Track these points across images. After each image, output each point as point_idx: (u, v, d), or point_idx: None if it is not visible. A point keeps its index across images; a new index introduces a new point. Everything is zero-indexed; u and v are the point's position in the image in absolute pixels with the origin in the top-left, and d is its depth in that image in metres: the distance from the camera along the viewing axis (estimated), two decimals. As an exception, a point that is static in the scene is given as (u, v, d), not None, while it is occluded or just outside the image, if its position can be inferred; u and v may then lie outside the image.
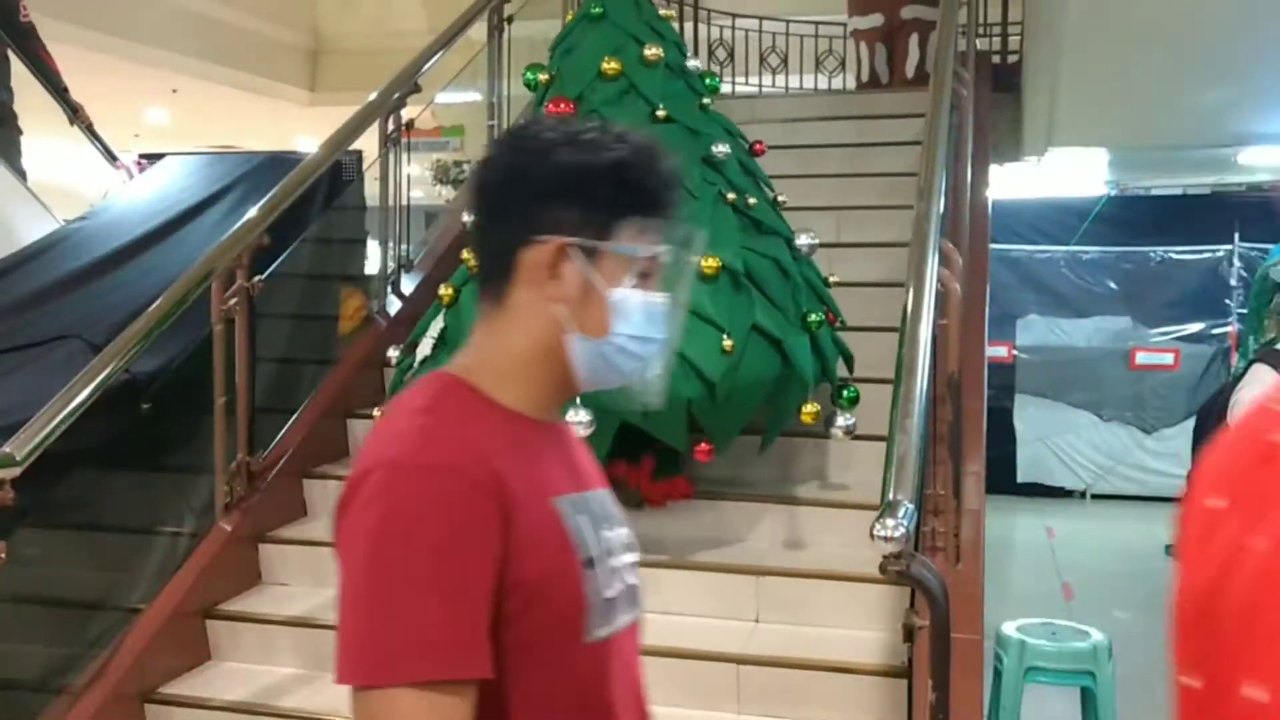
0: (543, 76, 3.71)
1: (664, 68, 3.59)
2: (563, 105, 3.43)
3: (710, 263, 3.18)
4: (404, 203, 4.68)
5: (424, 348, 3.42)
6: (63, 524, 3.49)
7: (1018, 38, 6.68)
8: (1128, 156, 7.24)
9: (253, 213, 3.63)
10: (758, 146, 3.84)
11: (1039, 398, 9.22)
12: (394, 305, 4.59)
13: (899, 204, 4.81)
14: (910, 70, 6.48)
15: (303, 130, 12.41)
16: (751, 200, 3.52)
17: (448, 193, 11.01)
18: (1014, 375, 9.13)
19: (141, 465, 3.71)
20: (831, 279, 3.75)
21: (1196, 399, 8.38)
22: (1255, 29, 5.02)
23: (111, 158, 5.64)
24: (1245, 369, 3.43)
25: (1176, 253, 9.19)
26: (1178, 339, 9.04)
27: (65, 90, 5.30)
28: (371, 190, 4.65)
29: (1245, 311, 8.17)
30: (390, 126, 4.52)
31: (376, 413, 3.48)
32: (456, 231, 5.15)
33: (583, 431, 2.90)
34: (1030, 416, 9.18)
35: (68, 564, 3.55)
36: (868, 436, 3.46)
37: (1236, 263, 8.90)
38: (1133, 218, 9.42)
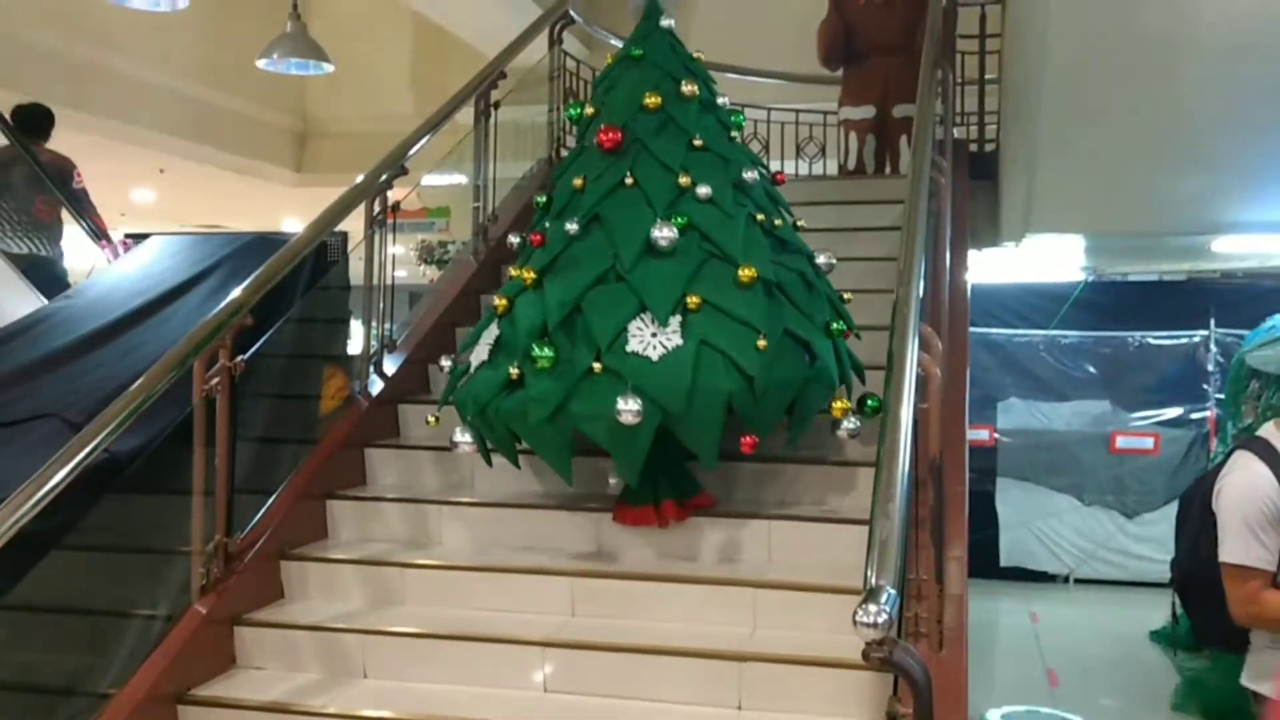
0: (588, 110, 4.05)
1: (698, 103, 3.95)
2: (612, 133, 3.79)
3: (747, 272, 3.53)
4: (388, 282, 4.70)
5: (479, 353, 3.74)
6: (34, 606, 3.43)
7: (994, 127, 6.82)
8: (1103, 243, 7.35)
9: (237, 293, 3.64)
10: (779, 177, 4.27)
11: (1021, 481, 9.24)
12: (376, 385, 4.58)
13: (879, 288, 4.87)
14: (902, 168, 6.62)
15: (289, 210, 12.51)
16: (777, 221, 3.91)
17: (432, 272, 11.08)
18: (995, 458, 9.16)
19: (117, 545, 3.66)
20: (846, 296, 4.06)
21: (1177, 483, 8.41)
22: (1226, 120, 5.15)
23: (98, 237, 5.68)
24: (1227, 456, 3.45)
25: (1154, 338, 9.30)
26: (1157, 423, 9.11)
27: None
28: (355, 269, 4.68)
29: (1223, 397, 8.26)
30: (377, 208, 4.56)
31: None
32: (440, 310, 5.18)
33: (631, 419, 3.26)
34: (1012, 500, 9.19)
35: (38, 647, 3.48)
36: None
37: (1213, 348, 9.01)
38: (1110, 303, 9.55)
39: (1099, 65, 5.11)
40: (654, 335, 3.43)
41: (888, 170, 6.83)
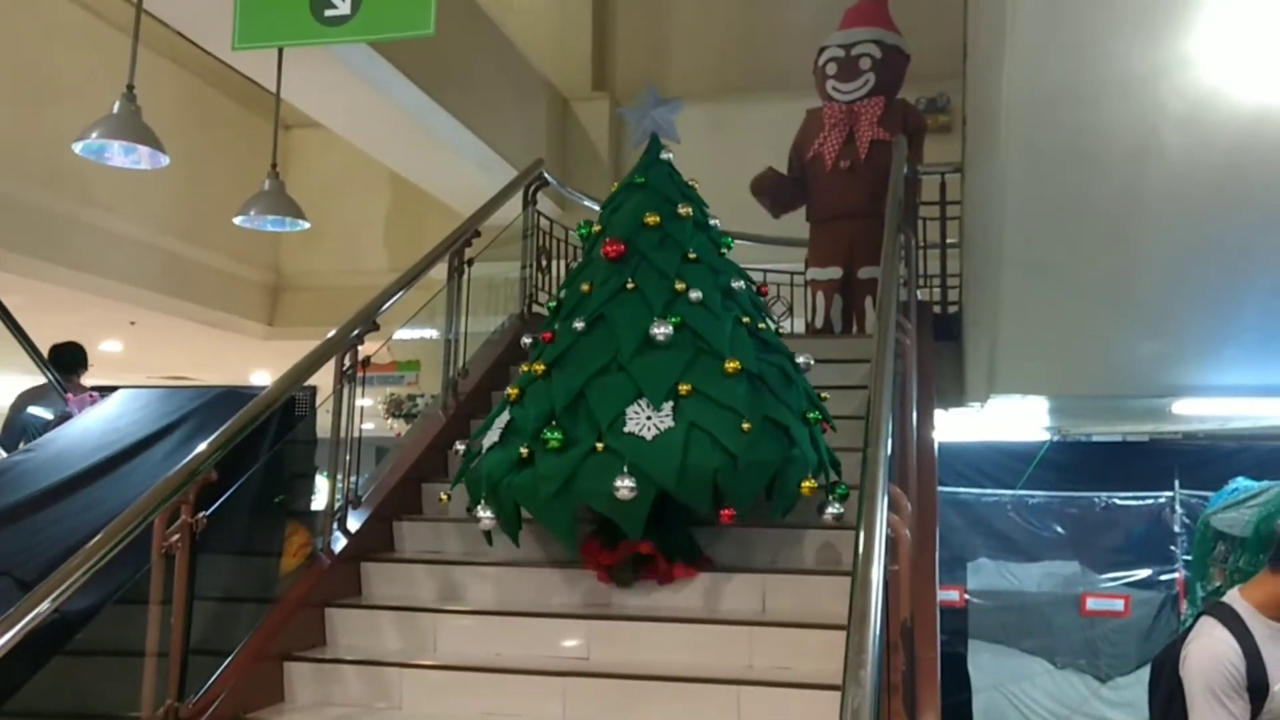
0: (596, 227, 4.67)
1: (692, 223, 4.57)
2: (616, 245, 4.40)
3: (732, 364, 4.08)
4: (356, 436, 4.68)
5: (491, 437, 4.22)
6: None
7: (956, 289, 6.97)
8: (1067, 404, 7.43)
9: (202, 448, 3.60)
10: (763, 289, 4.90)
11: (993, 644, 9.11)
12: (339, 542, 4.51)
13: (848, 446, 4.90)
14: (868, 328, 6.75)
15: (259, 363, 12.50)
16: (760, 325, 4.49)
17: (399, 426, 11.03)
18: (967, 620, 9.05)
19: (62, 712, 3.51)
20: (824, 395, 4.61)
21: (1149, 646, 8.33)
22: (1181, 285, 5.29)
23: (63, 389, 5.64)
24: (1194, 621, 3.44)
25: (1120, 498, 9.33)
26: (1127, 585, 9.06)
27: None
28: (323, 421, 4.66)
29: (1191, 559, 8.25)
30: (347, 362, 4.57)
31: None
32: (407, 466, 5.14)
33: (627, 495, 3.78)
34: (984, 663, 9.05)
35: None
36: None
37: (1179, 509, 9.04)
38: (1075, 463, 9.60)
39: (1056, 231, 5.25)
40: (649, 418, 3.95)
41: (854, 330, 6.95)
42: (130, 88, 4.72)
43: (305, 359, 4.33)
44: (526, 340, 4.63)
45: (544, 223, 7.17)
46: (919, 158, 6.85)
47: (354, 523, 4.62)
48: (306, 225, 6.01)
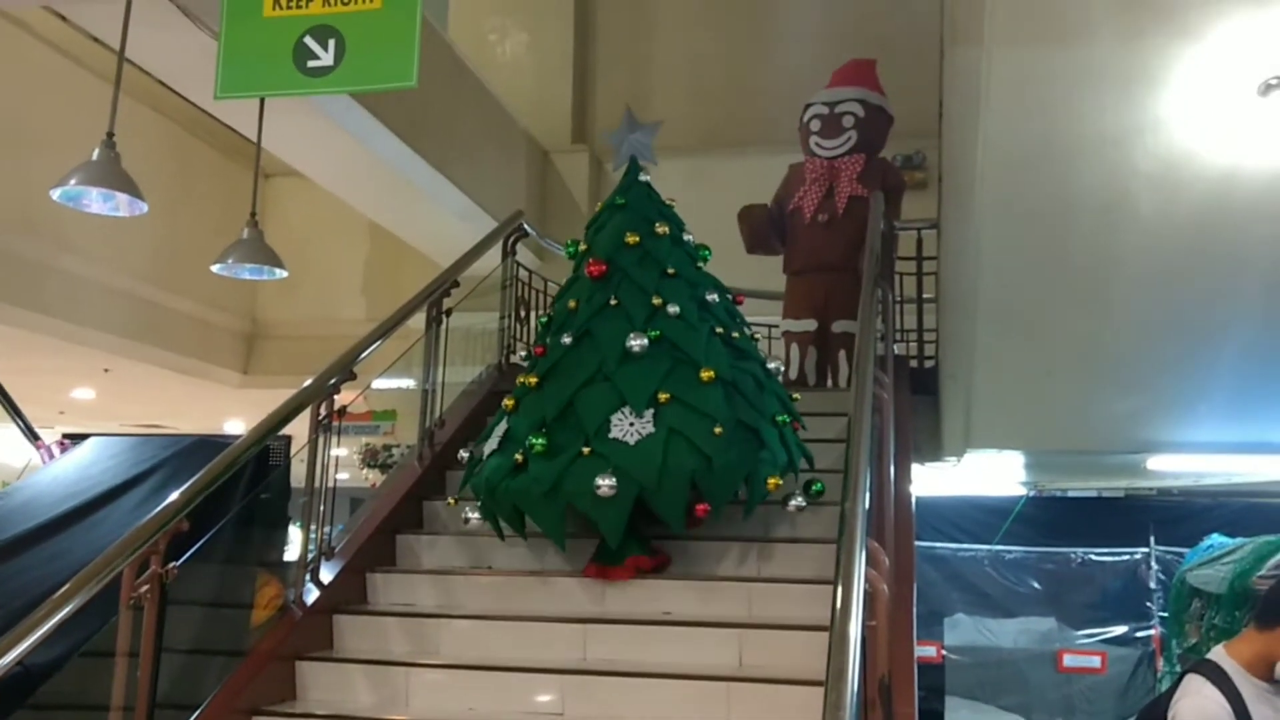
0: (582, 246, 4.97)
1: (670, 239, 4.87)
2: (598, 265, 4.73)
3: (707, 373, 4.40)
4: (330, 486, 4.63)
5: (491, 444, 4.60)
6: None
7: (933, 344, 7.01)
8: (1042, 459, 7.47)
9: (174, 497, 3.56)
10: (738, 299, 5.11)
11: (970, 700, 9.07)
12: (311, 594, 4.45)
13: (826, 501, 4.89)
14: (842, 381, 6.77)
15: (232, 411, 12.40)
16: (735, 334, 4.76)
17: (374, 476, 10.94)
18: (944, 676, 9.01)
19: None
20: (795, 395, 4.98)
21: (1126, 704, 8.31)
22: (1154, 343, 5.35)
23: (33, 436, 5.57)
24: (1178, 680, 3.42)
25: (1096, 554, 9.36)
26: (1103, 641, 9.06)
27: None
28: (297, 470, 4.61)
29: (1167, 615, 8.26)
30: (323, 412, 4.53)
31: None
32: (382, 516, 5.09)
33: (608, 493, 4.12)
34: (963, 720, 9.01)
35: None
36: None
37: (1154, 565, 9.07)
38: (1052, 518, 9.64)
39: (1031, 287, 5.32)
40: (631, 424, 4.29)
41: (829, 383, 6.96)
42: (110, 135, 4.71)
43: (281, 408, 4.30)
44: (522, 354, 5.16)
45: (523, 273, 7.18)
46: (897, 215, 6.91)
47: (327, 574, 4.55)
48: (284, 274, 5.99)
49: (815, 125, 7.08)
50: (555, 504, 4.25)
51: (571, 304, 4.75)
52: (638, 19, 11.00)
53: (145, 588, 3.36)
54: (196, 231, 9.50)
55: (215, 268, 5.85)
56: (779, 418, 4.58)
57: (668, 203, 5.07)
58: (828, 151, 7.00)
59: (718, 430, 4.25)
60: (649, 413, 4.31)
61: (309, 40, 2.65)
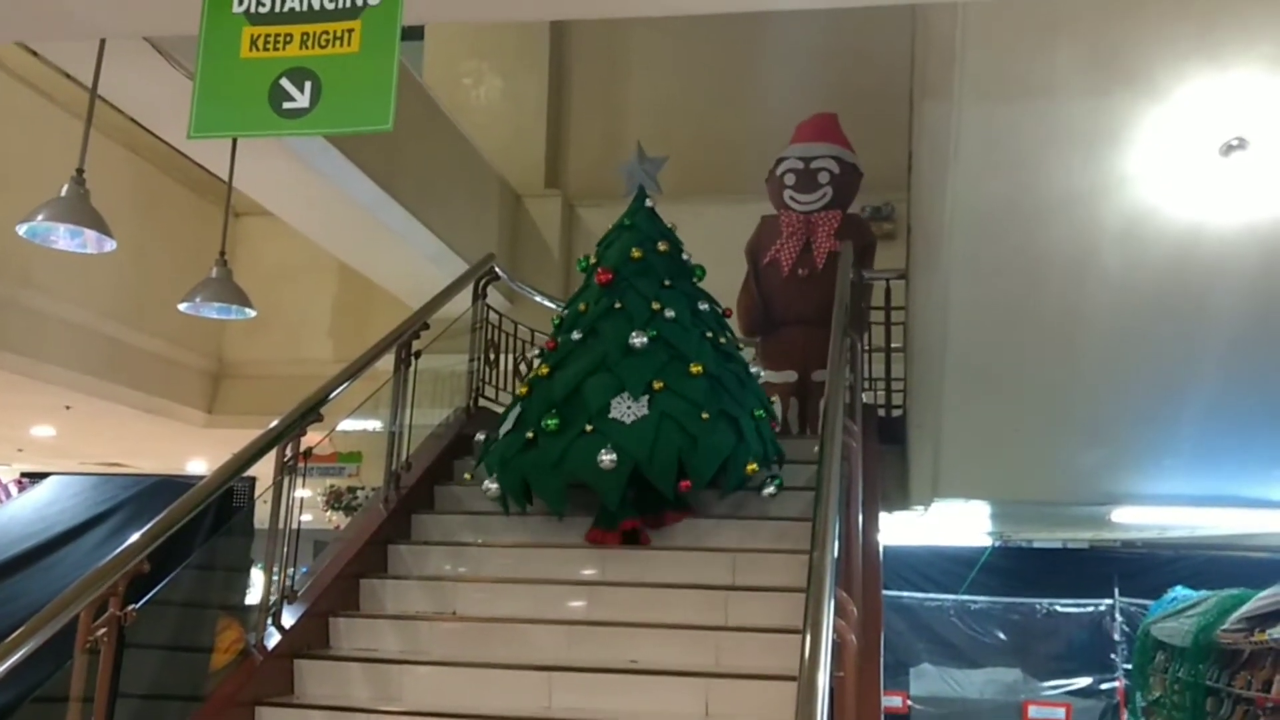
0: (592, 260, 5.70)
1: (669, 256, 5.61)
2: (606, 274, 5.45)
3: (696, 368, 5.10)
4: (294, 528, 4.57)
5: (506, 425, 5.28)
6: None
7: (900, 393, 7.05)
8: (1009, 510, 7.50)
9: (133, 540, 3.50)
10: (727, 312, 5.76)
11: (935, 751, 9.03)
12: (272, 638, 4.38)
13: (792, 548, 4.88)
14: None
15: (195, 451, 12.25)
16: (721, 339, 5.46)
17: (338, 518, 10.82)
18: (910, 727, 8.98)
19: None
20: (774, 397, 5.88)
21: (1090, 757, 8.29)
22: (1123, 396, 5.40)
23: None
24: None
25: (1061, 605, 9.38)
26: (1068, 693, 9.06)
27: None
28: (261, 511, 4.55)
29: (1131, 668, 8.28)
30: (289, 453, 4.48)
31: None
32: (346, 560, 5.03)
33: (608, 466, 4.80)
34: (928, 772, 8.96)
35: None
36: None
37: (1118, 617, 9.10)
38: (1017, 569, 9.67)
39: (999, 340, 5.36)
40: (629, 407, 4.97)
41: (808, 431, 6.98)
42: (80, 171, 4.69)
43: (246, 449, 4.25)
44: (535, 351, 5.91)
45: (493, 316, 7.17)
46: (868, 268, 6.98)
47: (289, 618, 4.49)
48: (253, 314, 5.96)
49: (790, 179, 7.16)
50: (560, 476, 4.95)
51: (582, 307, 5.48)
52: (611, 66, 11.10)
53: (102, 630, 3.29)
54: (165, 269, 9.43)
55: (182, 306, 5.81)
56: (756, 412, 5.23)
57: (670, 227, 5.78)
58: (803, 206, 7.09)
59: (704, 416, 4.93)
60: (644, 398, 4.97)
61: (285, 82, 2.64)
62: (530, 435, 5.05)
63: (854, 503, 4.24)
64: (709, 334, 5.38)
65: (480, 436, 5.52)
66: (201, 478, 4.03)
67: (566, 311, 5.63)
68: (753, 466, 5.04)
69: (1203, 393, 5.45)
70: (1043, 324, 5.28)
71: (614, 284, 5.42)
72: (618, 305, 5.33)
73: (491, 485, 5.18)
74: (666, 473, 4.87)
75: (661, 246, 5.60)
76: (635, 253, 5.50)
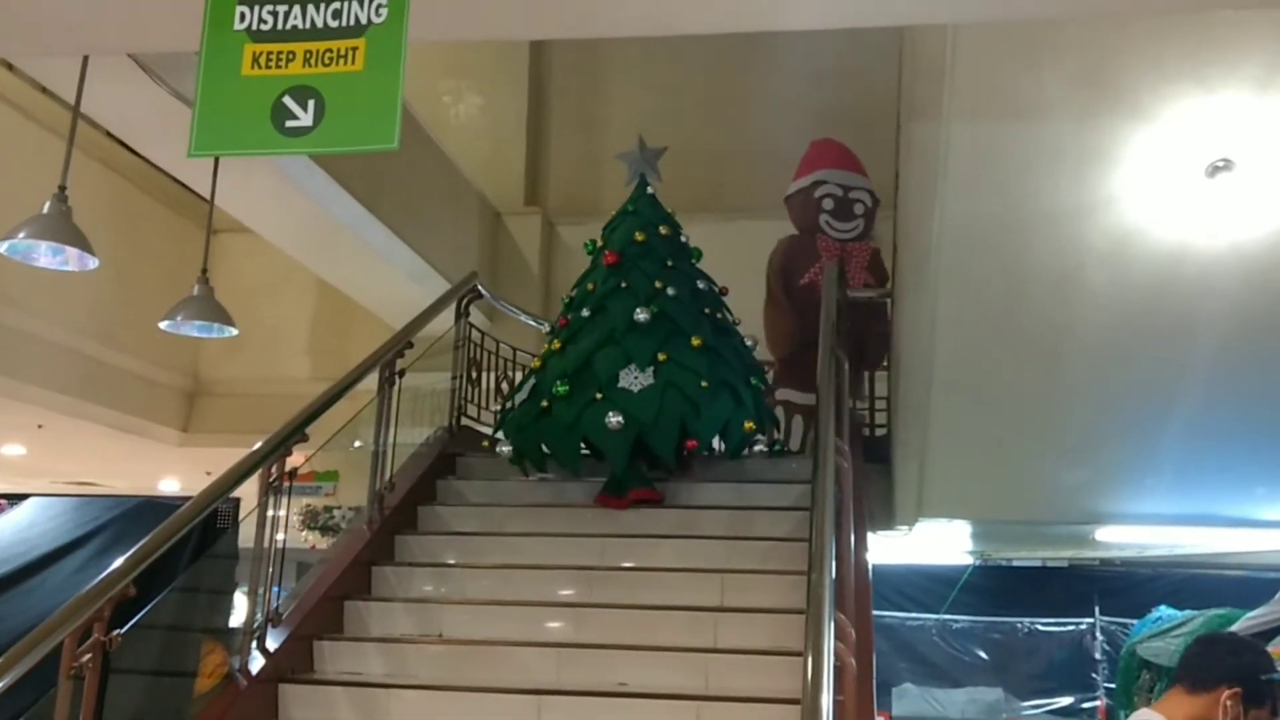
0: (599, 243, 6.13)
1: (670, 239, 6.03)
2: (613, 255, 5.90)
3: (697, 341, 5.58)
4: (279, 548, 4.50)
5: (521, 395, 5.87)
6: None
7: (883, 411, 7.04)
8: (991, 528, 7.52)
9: (119, 563, 3.43)
10: (723, 290, 6.12)
11: (918, 771, 9.01)
12: (257, 662, 4.31)
13: (781, 568, 4.86)
14: (794, 445, 6.79)
15: (168, 470, 12.08)
16: (719, 315, 5.92)
17: (314, 538, 10.69)
18: (892, 748, 8.95)
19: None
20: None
21: (1072, 775, 8.29)
22: (1108, 417, 5.42)
23: (-35, 496, 5.38)
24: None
25: (1042, 624, 9.40)
26: (1050, 712, 9.06)
27: None
28: (244, 532, 4.48)
29: (1114, 686, 8.28)
30: (274, 473, 4.42)
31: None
32: (330, 582, 4.96)
33: (616, 427, 5.30)
34: (911, 793, 8.94)
35: None
36: None
37: (1099, 636, 9.12)
38: (998, 587, 9.68)
39: (986, 359, 5.38)
40: (636, 377, 5.46)
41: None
42: (62, 188, 4.62)
43: (233, 469, 4.19)
44: (546, 326, 6.48)
45: (475, 334, 7.13)
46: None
47: (273, 641, 4.42)
48: (234, 332, 5.89)
49: (828, 204, 7.17)
50: (573, 437, 5.43)
51: (590, 286, 5.93)
52: (591, 83, 11.09)
53: (87, 656, 3.22)
54: (141, 287, 9.31)
55: (163, 324, 5.74)
56: (752, 381, 5.72)
57: (669, 213, 6.17)
58: (839, 234, 7.14)
59: (704, 384, 5.41)
60: (650, 369, 5.44)
61: (288, 100, 2.61)
62: (545, 404, 5.54)
63: (845, 524, 4.23)
64: (707, 310, 5.83)
65: (498, 407, 6.30)
66: (183, 498, 3.96)
67: (576, 291, 6.07)
68: (750, 425, 5.49)
69: (1186, 412, 5.48)
70: (1029, 342, 5.30)
71: (620, 264, 5.86)
72: (623, 284, 5.77)
73: (506, 448, 5.67)
74: (669, 437, 5.33)
75: (663, 230, 6.04)
76: (639, 235, 5.93)
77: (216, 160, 5.69)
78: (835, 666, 2.89)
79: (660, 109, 10.70)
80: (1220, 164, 4.47)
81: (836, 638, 2.99)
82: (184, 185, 7.23)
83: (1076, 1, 3.78)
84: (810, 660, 2.80)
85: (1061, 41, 4.18)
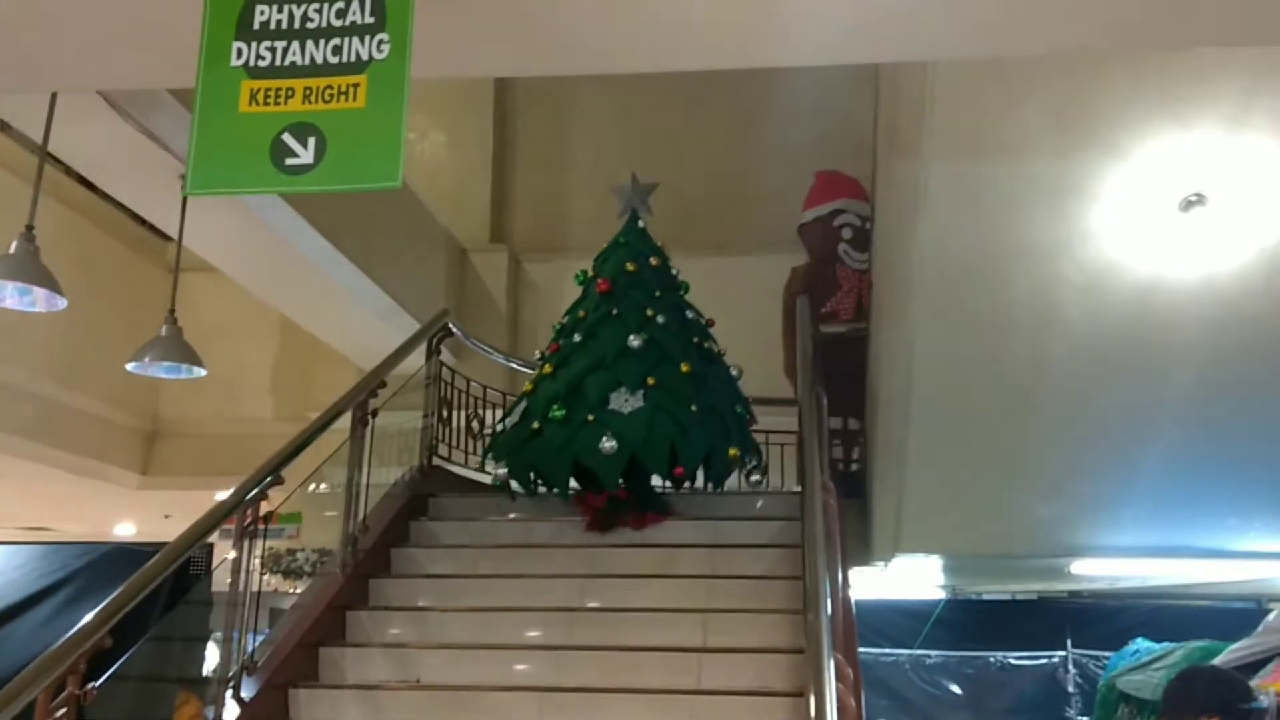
0: (590, 272, 6.25)
1: (659, 270, 6.19)
2: (605, 284, 6.02)
3: (685, 367, 5.67)
4: (253, 593, 4.39)
5: (513, 419, 5.86)
6: None
7: (858, 447, 7.05)
8: (964, 562, 7.51)
9: (93, 615, 3.31)
10: (709, 320, 6.24)
11: (892, 808, 8.94)
12: (232, 712, 4.18)
13: (761, 607, 4.80)
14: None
15: (124, 514, 11.80)
16: (706, 345, 6.05)
17: (277, 581, 10.47)
18: (866, 785, 8.88)
19: None
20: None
21: (1048, 811, 8.26)
22: (1084, 449, 5.44)
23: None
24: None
25: (1014, 658, 9.39)
26: (1024, 749, 9.05)
27: None
28: (215, 576, 4.36)
29: (1086, 719, 8.29)
30: (248, 518, 4.32)
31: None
32: (305, 628, 4.84)
33: (609, 452, 5.35)
34: (885, 832, 8.86)
35: None
36: None
37: (1071, 669, 9.13)
38: (969, 622, 9.66)
39: (964, 393, 5.38)
40: (626, 400, 5.54)
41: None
42: (30, 227, 4.52)
43: (209, 514, 4.09)
44: (539, 352, 6.24)
45: (445, 372, 7.05)
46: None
47: (248, 690, 4.30)
48: (203, 372, 5.78)
49: (848, 234, 7.28)
50: (565, 460, 5.49)
51: (581, 313, 6.06)
52: (556, 120, 11.08)
53: (61, 711, 3.10)
54: (98, 327, 9.13)
55: (130, 366, 5.61)
56: (738, 408, 5.84)
57: (659, 245, 6.35)
58: (856, 264, 7.22)
59: (693, 409, 5.52)
60: (639, 392, 5.54)
61: (287, 137, 2.55)
62: (536, 426, 5.63)
63: (834, 560, 4.19)
64: (695, 339, 5.98)
65: (489, 431, 6.28)
66: (148, 544, 3.86)
67: (567, 317, 6.24)
68: (734, 451, 5.57)
69: (1160, 443, 5.52)
70: (1007, 376, 5.32)
71: (612, 293, 6.01)
72: (615, 311, 5.92)
73: (500, 471, 5.75)
74: (659, 457, 5.42)
75: (653, 261, 6.23)
76: (630, 266, 6.10)
77: (185, 199, 5.60)
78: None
79: (626, 146, 10.70)
80: (1194, 198, 4.53)
81: (836, 678, 2.94)
82: (145, 223, 7.09)
83: (1054, 39, 3.80)
84: (814, 703, 2.75)
85: (1039, 80, 4.22)
